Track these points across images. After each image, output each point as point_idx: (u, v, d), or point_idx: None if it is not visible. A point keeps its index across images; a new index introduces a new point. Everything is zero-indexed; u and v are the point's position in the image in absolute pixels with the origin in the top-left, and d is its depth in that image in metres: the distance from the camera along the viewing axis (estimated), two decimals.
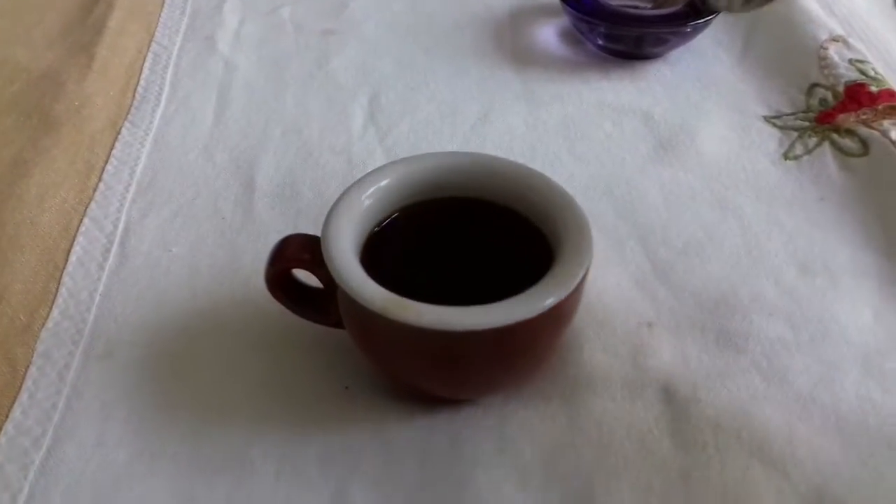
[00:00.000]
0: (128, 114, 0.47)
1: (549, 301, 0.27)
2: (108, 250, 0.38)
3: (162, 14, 0.55)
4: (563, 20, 0.55)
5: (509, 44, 0.53)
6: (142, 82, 0.49)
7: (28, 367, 0.33)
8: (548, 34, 0.54)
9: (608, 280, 0.37)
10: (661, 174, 0.43)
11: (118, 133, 0.45)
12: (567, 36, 0.54)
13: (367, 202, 0.31)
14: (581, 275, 0.28)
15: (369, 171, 0.32)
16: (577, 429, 0.31)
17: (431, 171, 0.32)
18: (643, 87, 0.49)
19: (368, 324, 0.28)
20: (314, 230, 0.40)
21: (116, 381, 0.32)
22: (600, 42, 0.52)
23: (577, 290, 0.28)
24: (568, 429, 0.31)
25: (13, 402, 0.32)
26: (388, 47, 0.53)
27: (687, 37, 0.51)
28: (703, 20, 0.49)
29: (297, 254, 0.30)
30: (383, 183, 0.31)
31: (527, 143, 0.45)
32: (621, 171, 0.43)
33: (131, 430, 0.31)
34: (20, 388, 0.32)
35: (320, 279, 0.31)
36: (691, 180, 0.42)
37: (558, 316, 0.28)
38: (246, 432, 0.31)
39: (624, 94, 0.49)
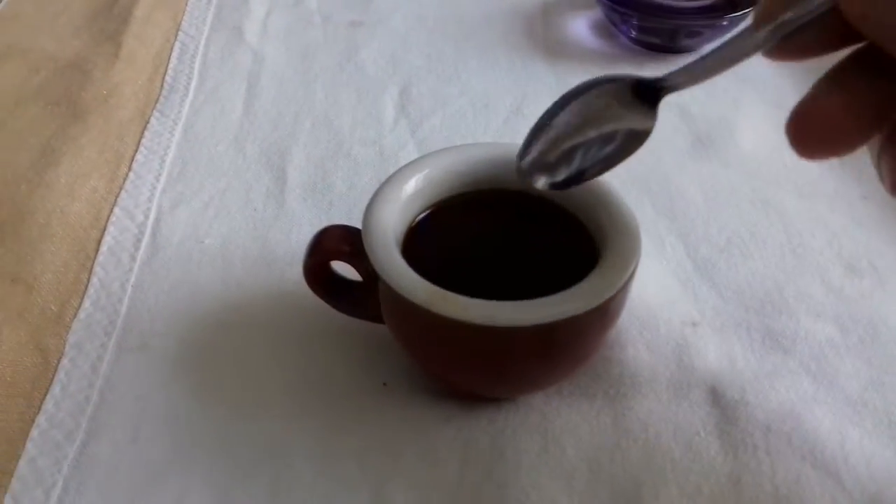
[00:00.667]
0: (156, 103, 0.46)
1: (599, 297, 0.26)
2: (139, 240, 0.37)
3: (188, 3, 0.55)
4: (595, 12, 0.54)
5: (541, 36, 0.52)
6: (170, 72, 0.49)
7: (60, 358, 0.32)
8: (580, 26, 0.53)
9: (649, 277, 0.36)
10: (700, 170, 0.42)
11: (147, 122, 0.44)
12: (599, 28, 0.53)
13: (408, 193, 0.30)
14: (631, 271, 0.27)
15: (409, 161, 0.31)
16: (623, 429, 0.30)
17: (473, 163, 0.31)
18: None
19: (410, 318, 0.27)
20: (347, 222, 0.39)
21: (150, 374, 0.32)
22: (633, 34, 0.51)
23: (626, 287, 0.27)
24: (613, 429, 0.30)
25: (45, 394, 0.31)
26: (417, 39, 0.52)
27: (723, 30, 0.50)
28: (740, 13, 0.48)
29: (336, 245, 0.30)
30: (424, 173, 0.31)
31: None
32: (659, 166, 0.42)
33: (166, 424, 0.30)
34: (52, 379, 0.32)
35: (359, 272, 0.30)
36: (731, 176, 0.41)
37: (606, 313, 0.27)
38: (283, 429, 0.30)
39: None
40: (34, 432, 0.30)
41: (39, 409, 0.31)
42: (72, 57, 0.49)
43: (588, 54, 0.51)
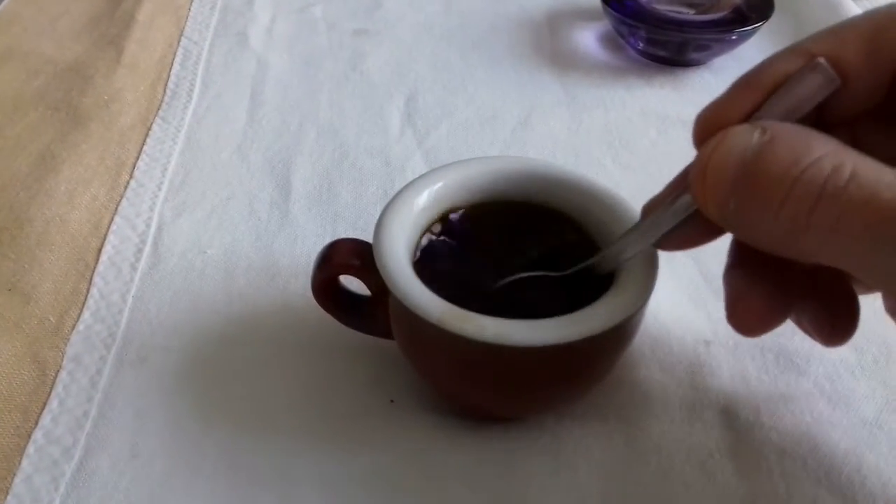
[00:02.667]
0: (158, 110, 0.45)
1: (618, 316, 0.25)
2: (140, 250, 0.37)
3: (191, 8, 0.54)
4: (602, 24, 0.54)
5: (548, 47, 0.52)
6: (172, 78, 0.48)
7: (58, 371, 0.31)
8: (587, 38, 0.53)
9: (660, 295, 0.34)
10: None
11: (149, 129, 0.44)
12: (606, 40, 0.53)
13: (420, 207, 0.29)
14: (650, 289, 0.26)
15: (419, 174, 0.31)
16: (635, 451, 0.29)
17: (487, 176, 0.31)
18: (687, 95, 0.48)
19: (422, 335, 0.27)
20: (353, 234, 0.38)
21: (151, 388, 0.31)
22: (641, 46, 0.50)
23: (644, 306, 0.26)
24: (625, 450, 0.29)
25: (42, 409, 0.30)
26: (423, 48, 0.52)
27: (732, 44, 0.49)
28: (750, 27, 0.48)
29: (346, 259, 0.29)
30: (437, 186, 0.30)
31: (570, 149, 0.44)
32: (668, 177, 0.41)
33: (167, 441, 0.29)
34: (50, 393, 0.31)
35: (369, 286, 0.29)
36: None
37: (625, 332, 0.27)
38: (288, 447, 0.29)
39: (668, 101, 0.47)
40: (30, 448, 0.29)
41: (36, 423, 0.30)
42: (72, 61, 0.49)
43: (595, 66, 0.50)
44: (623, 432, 0.30)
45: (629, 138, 0.44)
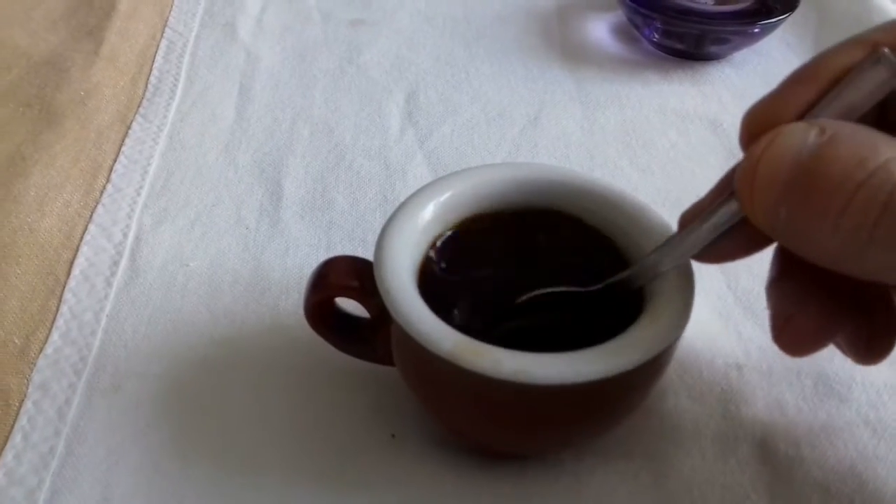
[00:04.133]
0: (139, 107, 0.42)
1: (653, 349, 0.22)
2: (116, 263, 0.33)
3: None
4: (614, 14, 0.50)
5: (558, 39, 0.49)
6: (155, 72, 0.44)
7: (22, 401, 0.28)
8: (599, 29, 0.50)
9: None
10: None
11: (128, 128, 0.40)
12: (620, 32, 0.49)
13: (425, 220, 0.26)
14: (689, 316, 0.23)
15: (424, 183, 0.27)
16: (665, 490, 0.26)
17: (499, 184, 0.28)
18: (707, 91, 0.45)
19: (429, 368, 0.24)
20: (349, 244, 0.35)
21: (125, 421, 0.28)
22: (657, 38, 0.47)
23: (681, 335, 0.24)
24: (654, 490, 0.26)
25: (4, 444, 0.27)
26: (424, 41, 0.48)
27: (754, 38, 0.46)
28: (774, 20, 0.45)
29: (343, 280, 0.26)
30: (444, 197, 0.27)
31: (584, 150, 0.40)
32: (691, 184, 0.38)
33: (142, 482, 0.26)
34: (13, 427, 0.28)
35: (369, 309, 0.26)
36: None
37: (659, 365, 0.24)
38: (277, 488, 0.26)
39: (687, 98, 0.44)
40: None
41: None
42: (47, 54, 0.45)
43: (609, 60, 0.47)
44: (650, 470, 0.27)
45: (647, 138, 0.41)
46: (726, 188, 0.22)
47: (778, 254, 0.24)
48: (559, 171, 0.28)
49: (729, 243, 0.22)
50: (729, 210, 0.21)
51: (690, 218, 0.23)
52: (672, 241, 0.24)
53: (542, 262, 0.28)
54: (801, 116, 0.20)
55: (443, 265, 0.27)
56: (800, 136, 0.18)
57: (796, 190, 0.18)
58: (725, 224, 0.22)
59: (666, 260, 0.24)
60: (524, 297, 0.27)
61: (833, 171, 0.17)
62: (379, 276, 0.24)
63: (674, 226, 0.25)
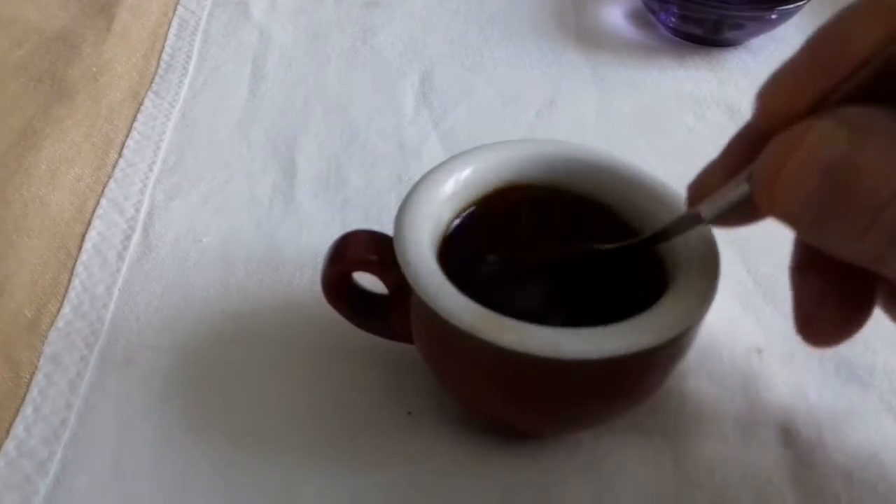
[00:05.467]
0: (151, 83, 0.41)
1: (678, 326, 0.22)
2: (128, 237, 0.33)
3: None
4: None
5: (572, 23, 0.48)
6: (167, 49, 0.44)
7: (34, 373, 0.28)
8: (614, 13, 0.49)
9: None
10: None
11: (140, 104, 0.40)
12: (635, 16, 0.49)
13: (446, 195, 0.26)
14: (712, 295, 0.23)
15: (448, 157, 0.27)
16: (685, 473, 0.26)
17: (519, 161, 0.27)
18: (724, 77, 0.44)
19: (450, 343, 0.23)
20: (364, 223, 0.35)
21: (137, 394, 0.27)
22: (672, 23, 0.46)
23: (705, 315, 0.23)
24: (674, 473, 0.26)
25: (15, 416, 0.27)
26: (438, 22, 0.48)
27: (771, 24, 0.46)
28: (791, 6, 0.44)
29: (362, 254, 0.25)
30: (464, 173, 0.26)
31: (600, 133, 0.40)
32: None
33: (155, 456, 0.26)
34: (24, 398, 0.27)
35: (387, 284, 0.26)
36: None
37: (683, 344, 0.23)
38: (291, 465, 0.26)
39: (704, 84, 0.43)
40: (0, 462, 0.25)
41: (8, 433, 0.26)
42: (58, 30, 0.45)
43: (624, 45, 0.46)
44: (671, 451, 0.26)
45: (664, 123, 0.41)
46: (735, 160, 0.21)
47: (799, 242, 0.23)
48: (583, 149, 0.28)
49: (745, 212, 0.21)
50: (745, 192, 0.20)
51: (697, 191, 0.23)
52: (687, 213, 0.23)
53: (565, 241, 0.28)
54: (822, 100, 0.19)
55: (463, 240, 0.27)
56: (829, 141, 0.17)
57: (824, 198, 0.17)
58: (742, 201, 0.20)
59: (683, 226, 0.23)
60: (545, 252, 0.26)
61: (865, 182, 0.16)
62: (400, 249, 0.23)
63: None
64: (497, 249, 0.27)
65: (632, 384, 0.23)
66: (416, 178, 0.37)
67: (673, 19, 0.46)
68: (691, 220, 0.23)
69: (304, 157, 0.38)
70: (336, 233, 0.34)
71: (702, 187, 0.23)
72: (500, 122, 0.40)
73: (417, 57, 0.45)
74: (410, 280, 0.23)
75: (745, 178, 0.20)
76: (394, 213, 0.35)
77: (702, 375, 0.29)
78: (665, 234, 0.24)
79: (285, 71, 0.43)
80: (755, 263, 0.33)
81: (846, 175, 0.17)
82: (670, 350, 0.22)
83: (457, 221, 0.27)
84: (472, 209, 0.27)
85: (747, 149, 0.21)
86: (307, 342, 0.29)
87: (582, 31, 0.47)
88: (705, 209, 0.22)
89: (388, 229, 0.25)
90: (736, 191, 0.20)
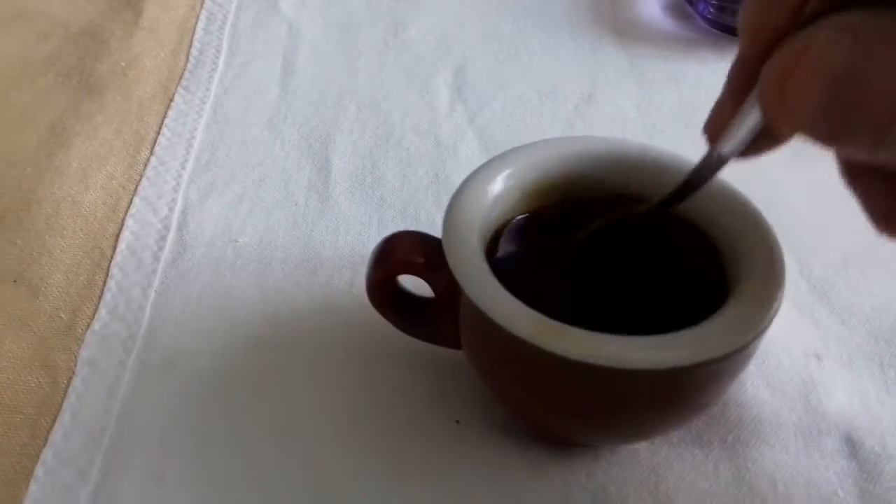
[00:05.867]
0: (181, 78, 0.41)
1: (745, 335, 0.21)
2: (163, 238, 0.32)
3: None
4: None
5: (609, 14, 0.47)
6: (196, 43, 0.43)
7: (71, 377, 0.27)
8: (650, 4, 0.48)
9: None
10: (805, 173, 0.36)
11: (171, 100, 0.39)
12: (672, 7, 0.47)
13: (493, 196, 0.25)
14: (779, 302, 0.22)
15: (494, 156, 0.26)
16: (747, 486, 0.25)
17: (572, 159, 0.26)
18: None
19: (505, 351, 0.22)
20: (402, 222, 0.34)
21: (178, 399, 0.27)
22: (710, 14, 0.45)
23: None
24: (735, 486, 0.25)
25: (53, 423, 0.26)
26: (470, 15, 0.47)
27: None
28: None
29: (408, 256, 0.24)
30: (511, 172, 0.25)
31: (641, 129, 0.39)
32: (756, 167, 0.36)
33: (197, 464, 0.25)
34: (61, 404, 0.26)
35: (434, 288, 0.25)
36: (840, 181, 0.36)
37: (750, 351, 0.22)
38: (334, 471, 0.25)
39: None
40: (39, 471, 0.25)
41: (46, 441, 0.25)
42: (86, 24, 0.44)
43: (664, 37, 0.45)
44: (731, 464, 0.25)
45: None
46: (741, 87, 0.20)
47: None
48: (633, 146, 0.27)
49: (767, 139, 0.20)
50: (755, 116, 0.19)
51: (714, 130, 0.22)
52: (710, 152, 0.22)
53: (618, 244, 0.27)
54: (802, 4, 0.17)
55: (510, 240, 0.26)
56: (834, 50, 0.16)
57: (835, 110, 0.16)
58: (755, 126, 0.19)
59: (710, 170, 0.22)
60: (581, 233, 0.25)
61: (874, 92, 0.15)
62: (451, 252, 0.23)
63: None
64: (544, 254, 0.26)
65: (696, 394, 0.22)
66: (453, 175, 0.36)
67: (711, 10, 0.45)
68: (715, 161, 0.22)
69: (339, 154, 0.37)
70: (373, 232, 0.33)
71: (716, 125, 0.21)
72: (538, 117, 0.39)
73: (450, 51, 0.44)
74: (463, 285, 0.22)
75: (754, 100, 0.18)
76: (431, 211, 0.34)
77: (760, 383, 0.28)
78: (692, 182, 0.23)
79: (316, 66, 0.42)
80: (809, 264, 0.32)
81: (855, 85, 0.16)
82: (737, 359, 0.21)
83: (504, 222, 0.26)
84: (518, 209, 0.26)
85: (749, 75, 0.19)
86: (348, 346, 0.28)
87: (618, 23, 0.46)
88: (725, 146, 0.21)
89: (425, 228, 0.25)
90: (748, 116, 0.19)
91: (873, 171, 0.20)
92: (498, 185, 0.25)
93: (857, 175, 0.20)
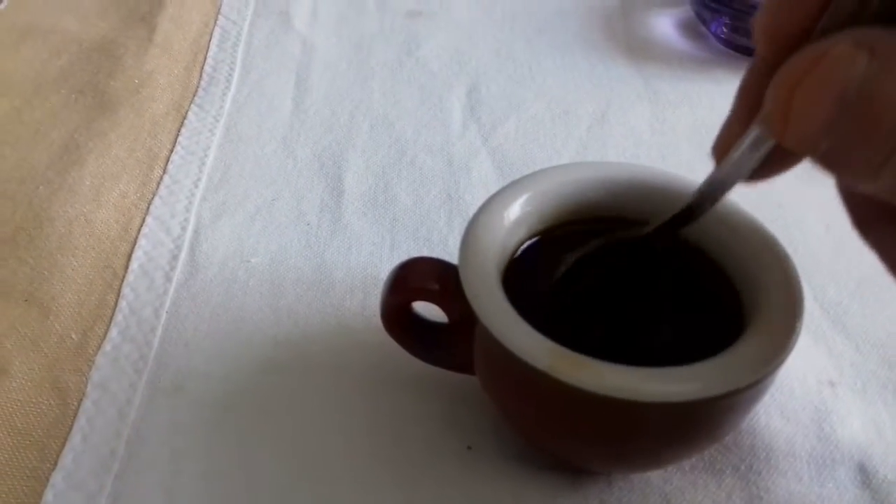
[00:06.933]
0: (194, 96, 0.41)
1: (764, 367, 0.21)
2: (175, 257, 0.32)
3: None
4: (680, 10, 0.48)
5: (621, 34, 0.47)
6: (209, 60, 0.43)
7: (81, 399, 0.27)
8: (664, 24, 0.48)
9: None
10: (819, 195, 0.36)
11: (184, 118, 0.39)
12: (686, 27, 0.47)
13: (510, 222, 0.25)
14: (797, 332, 0.22)
15: (514, 180, 0.26)
16: None
17: (589, 186, 0.26)
18: None
19: (520, 380, 0.22)
20: (414, 242, 0.34)
21: (189, 422, 0.27)
22: (724, 34, 0.45)
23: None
24: None
25: (63, 445, 0.26)
26: (484, 34, 0.47)
27: None
28: None
29: (423, 282, 0.24)
30: (528, 198, 0.25)
31: (655, 150, 0.39)
32: (770, 189, 0.36)
33: (207, 490, 0.25)
34: (72, 427, 0.26)
35: (448, 314, 0.25)
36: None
37: (766, 384, 0.22)
38: (345, 497, 0.25)
39: None
40: (48, 495, 0.25)
41: (55, 464, 0.25)
42: (99, 40, 0.44)
43: (676, 57, 0.45)
44: (744, 493, 0.25)
45: None
46: (750, 105, 0.19)
47: (855, 201, 0.21)
48: (650, 172, 0.26)
49: (777, 160, 0.20)
50: (758, 133, 0.19)
51: (722, 149, 0.21)
52: (717, 172, 0.21)
53: (633, 272, 0.27)
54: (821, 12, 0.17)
55: (525, 268, 0.25)
56: (848, 65, 0.15)
57: (839, 126, 0.16)
58: (766, 149, 0.19)
59: (718, 191, 0.22)
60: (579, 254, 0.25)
61: (885, 113, 0.15)
62: (467, 281, 0.22)
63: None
64: (560, 281, 0.26)
65: (711, 426, 0.22)
66: (466, 195, 0.36)
67: (724, 30, 0.45)
68: (721, 183, 0.21)
69: (352, 173, 0.37)
70: (386, 253, 0.33)
71: (724, 146, 0.21)
72: (552, 137, 0.39)
73: (463, 69, 0.44)
74: (479, 314, 0.22)
75: (761, 119, 0.18)
76: (443, 231, 0.34)
77: (773, 410, 0.27)
78: (696, 205, 0.22)
79: (329, 83, 0.42)
80: (822, 289, 0.32)
81: (865, 103, 0.15)
82: (752, 392, 0.21)
83: (520, 249, 0.26)
84: (534, 235, 0.26)
85: (759, 93, 0.18)
86: (360, 370, 0.28)
87: (632, 42, 0.46)
88: (732, 167, 0.20)
89: (438, 248, 0.24)
90: (753, 135, 0.19)
91: (887, 218, 0.19)
92: (514, 212, 0.25)
93: (872, 225, 0.20)
